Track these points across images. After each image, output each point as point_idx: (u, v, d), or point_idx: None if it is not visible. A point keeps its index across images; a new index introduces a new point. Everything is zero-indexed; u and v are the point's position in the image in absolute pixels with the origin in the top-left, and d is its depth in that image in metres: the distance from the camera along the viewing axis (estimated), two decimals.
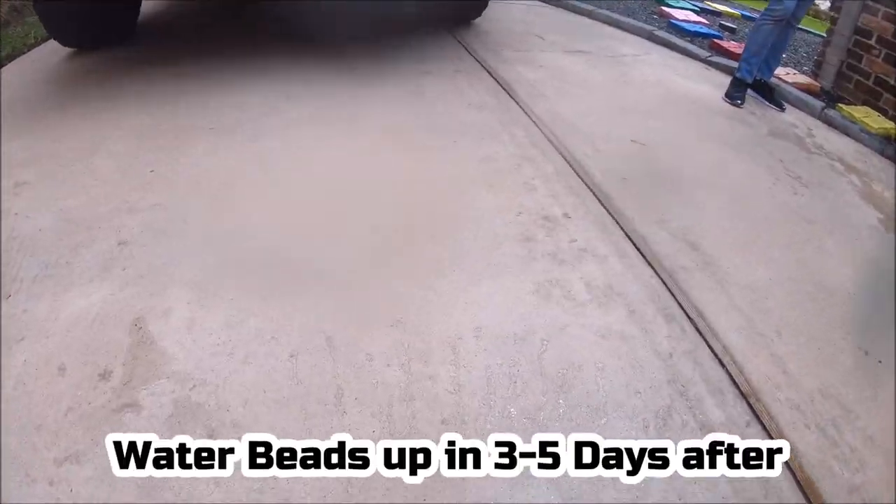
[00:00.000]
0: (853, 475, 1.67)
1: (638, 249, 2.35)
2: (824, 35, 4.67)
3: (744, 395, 1.84)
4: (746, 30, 5.35)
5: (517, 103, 3.50)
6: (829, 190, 3.05)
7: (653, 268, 2.25)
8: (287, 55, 3.98)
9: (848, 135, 3.76)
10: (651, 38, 5.00)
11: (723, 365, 1.92)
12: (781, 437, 1.73)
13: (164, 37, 4.43)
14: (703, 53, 4.66)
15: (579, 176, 2.81)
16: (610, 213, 2.55)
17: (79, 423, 1.58)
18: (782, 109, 3.95)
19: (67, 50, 4.03)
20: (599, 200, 2.63)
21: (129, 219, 2.31)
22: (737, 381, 1.87)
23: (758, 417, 1.78)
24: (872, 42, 4.05)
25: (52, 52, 4.08)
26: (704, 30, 5.14)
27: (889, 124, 3.79)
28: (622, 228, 2.46)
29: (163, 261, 2.11)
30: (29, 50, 4.22)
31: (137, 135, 2.91)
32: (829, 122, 3.88)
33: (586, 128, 3.27)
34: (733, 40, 5.05)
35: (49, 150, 2.78)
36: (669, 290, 2.16)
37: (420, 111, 3.32)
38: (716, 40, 4.89)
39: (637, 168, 2.93)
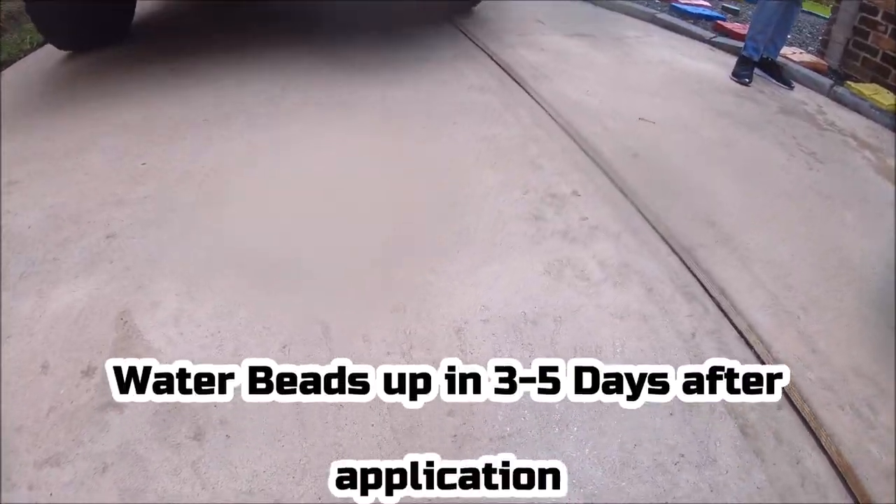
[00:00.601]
0: (892, 458, 1.51)
1: (652, 226, 2.17)
2: (827, 17, 4.49)
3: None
4: (749, 12, 5.16)
5: (520, 85, 3.32)
6: (844, 165, 2.88)
7: (669, 245, 2.07)
8: (283, 48, 3.83)
9: (858, 111, 3.59)
10: (653, 20, 4.83)
11: (749, 345, 1.75)
12: (815, 420, 1.56)
13: (160, 36, 4.30)
14: (707, 34, 4.48)
15: (587, 154, 2.62)
16: (621, 190, 2.37)
17: (60, 423, 1.46)
18: (791, 88, 3.77)
19: (63, 53, 3.92)
20: (609, 177, 2.45)
21: (117, 212, 2.17)
22: (765, 361, 1.70)
23: (789, 399, 1.61)
24: (878, 18, 3.86)
25: (47, 55, 3.97)
26: (707, 12, 4.96)
27: None
28: (634, 205, 2.28)
29: (150, 253, 1.96)
30: (25, 55, 4.11)
31: (130, 130, 2.78)
32: (839, 100, 3.71)
33: (592, 107, 3.10)
34: (736, 22, 4.86)
35: (41, 149, 2.66)
36: (688, 268, 1.98)
37: (419, 96, 3.15)
38: (719, 22, 4.71)
39: (647, 145, 2.75)
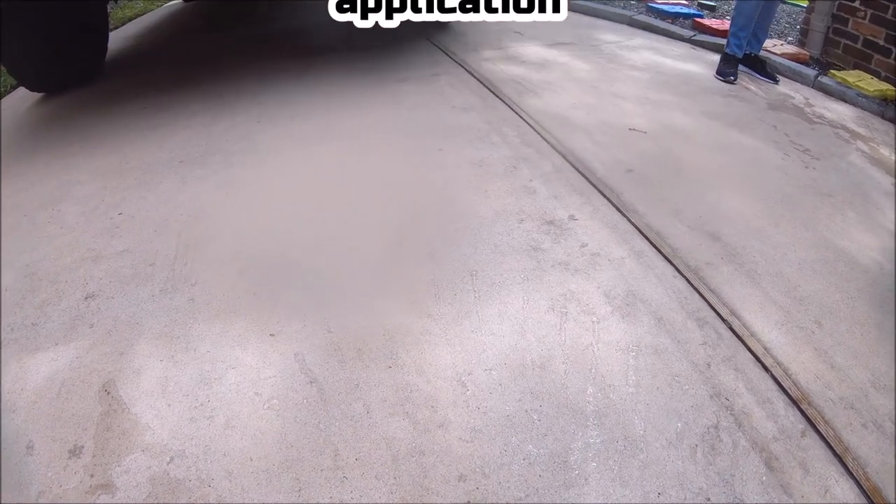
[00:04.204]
0: None
1: (655, 247, 2.06)
2: (804, 6, 4.42)
3: (794, 401, 1.58)
4: (726, 6, 5.08)
5: (504, 102, 3.21)
6: (839, 160, 2.79)
7: (674, 266, 1.97)
8: (257, 77, 3.73)
9: (845, 100, 3.52)
10: (631, 23, 4.74)
11: (766, 369, 1.65)
12: (840, 444, 1.47)
13: (133, 72, 4.20)
14: (687, 33, 4.39)
15: (581, 172, 2.51)
16: (619, 210, 2.26)
17: None
18: (776, 82, 3.68)
19: (37, 96, 3.81)
20: (606, 197, 2.34)
21: (95, 269, 2.06)
22: (784, 385, 1.61)
23: (813, 425, 1.52)
24: (857, 4, 3.78)
25: (21, 99, 3.87)
26: (684, 10, 4.87)
27: (885, 86, 3.53)
28: (635, 225, 2.17)
29: (130, 313, 1.85)
30: None
31: (105, 176, 2.67)
32: (825, 90, 3.64)
33: (580, 120, 2.99)
34: (714, 18, 4.78)
35: (15, 201, 2.56)
36: (697, 291, 1.87)
37: (400, 121, 3.03)
38: (697, 19, 4.62)
39: (640, 157, 2.65)
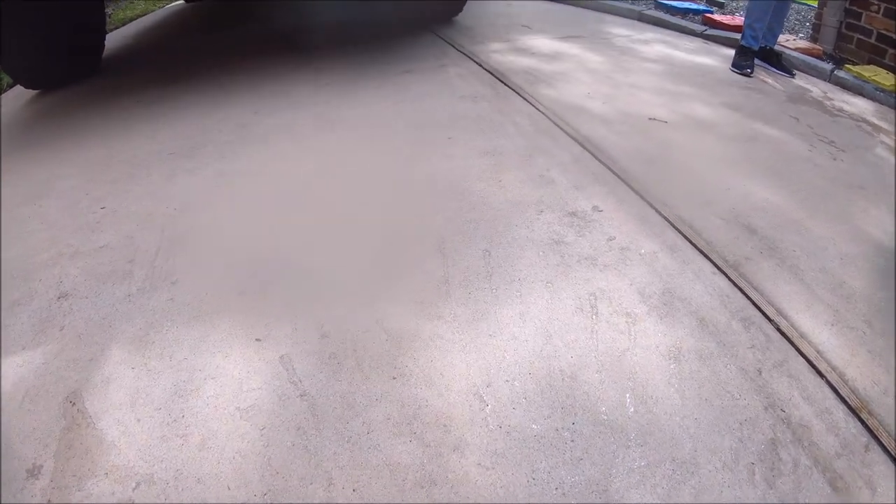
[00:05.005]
0: None
1: (690, 241, 1.80)
2: (814, 5, 4.19)
3: (854, 411, 1.33)
4: (734, 3, 4.85)
5: (515, 91, 2.96)
6: (865, 152, 2.55)
7: (712, 262, 1.70)
8: (257, 70, 3.51)
9: (862, 95, 3.29)
10: (641, 18, 4.52)
11: (821, 374, 1.40)
12: None
13: (130, 68, 4.00)
14: (699, 28, 4.16)
15: (602, 162, 2.25)
16: (646, 201, 1.99)
17: None
18: (792, 75, 3.45)
19: (32, 92, 3.60)
20: (631, 187, 2.08)
21: (71, 266, 1.81)
22: (841, 393, 1.37)
23: (875, 437, 1.27)
24: None
25: (17, 96, 3.68)
26: (694, 5, 4.64)
27: None
28: (665, 217, 1.91)
29: (104, 314, 1.59)
30: None
31: (92, 170, 2.43)
32: (841, 84, 3.40)
33: (597, 110, 2.73)
34: (724, 13, 4.54)
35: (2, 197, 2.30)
36: (739, 288, 1.61)
37: (406, 111, 2.78)
38: (707, 15, 4.38)
39: (663, 147, 2.39)
